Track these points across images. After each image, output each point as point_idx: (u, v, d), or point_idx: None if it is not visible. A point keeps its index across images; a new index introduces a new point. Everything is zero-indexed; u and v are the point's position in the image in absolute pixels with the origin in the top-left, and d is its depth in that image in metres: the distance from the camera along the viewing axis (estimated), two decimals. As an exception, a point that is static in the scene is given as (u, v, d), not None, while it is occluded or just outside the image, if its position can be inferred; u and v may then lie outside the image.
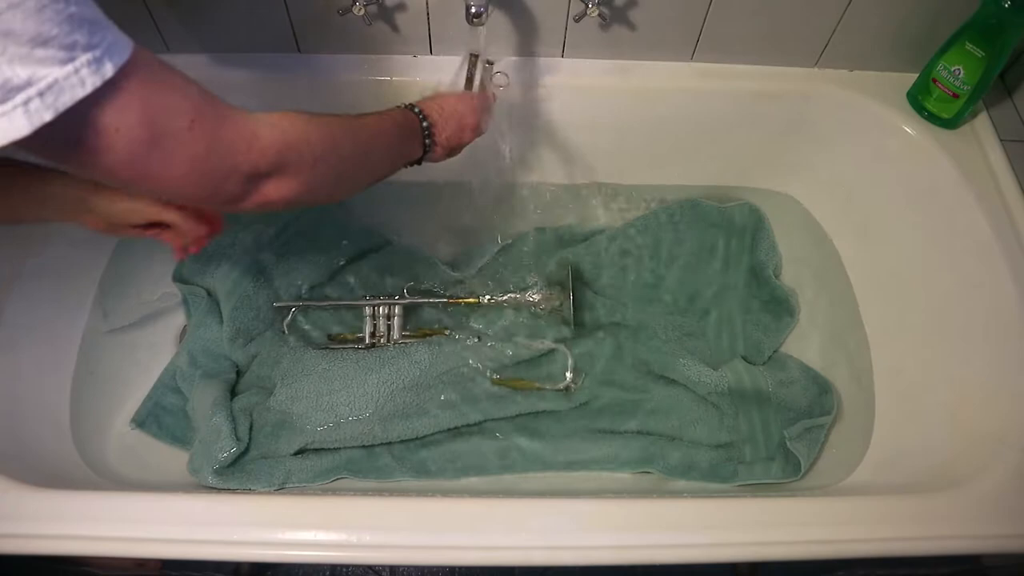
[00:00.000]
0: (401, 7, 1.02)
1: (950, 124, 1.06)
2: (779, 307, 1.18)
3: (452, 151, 0.88)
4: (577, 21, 0.99)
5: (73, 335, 1.06)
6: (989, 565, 0.87)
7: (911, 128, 1.08)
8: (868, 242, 1.17)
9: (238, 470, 1.00)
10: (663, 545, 0.73)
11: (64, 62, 0.40)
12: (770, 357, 1.15)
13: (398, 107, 0.81)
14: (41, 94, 0.39)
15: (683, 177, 1.28)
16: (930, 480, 0.87)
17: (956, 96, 1.03)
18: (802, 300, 1.20)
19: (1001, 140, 1.05)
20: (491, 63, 0.97)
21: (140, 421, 1.05)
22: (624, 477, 1.05)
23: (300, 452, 1.04)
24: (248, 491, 0.98)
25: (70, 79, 0.40)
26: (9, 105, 0.39)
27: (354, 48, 1.09)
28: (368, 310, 1.14)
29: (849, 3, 1.02)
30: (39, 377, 1.00)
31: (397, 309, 1.14)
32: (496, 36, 1.06)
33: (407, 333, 1.14)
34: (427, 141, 0.82)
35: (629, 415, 1.10)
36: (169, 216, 0.80)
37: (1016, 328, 0.90)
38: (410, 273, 1.20)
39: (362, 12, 0.97)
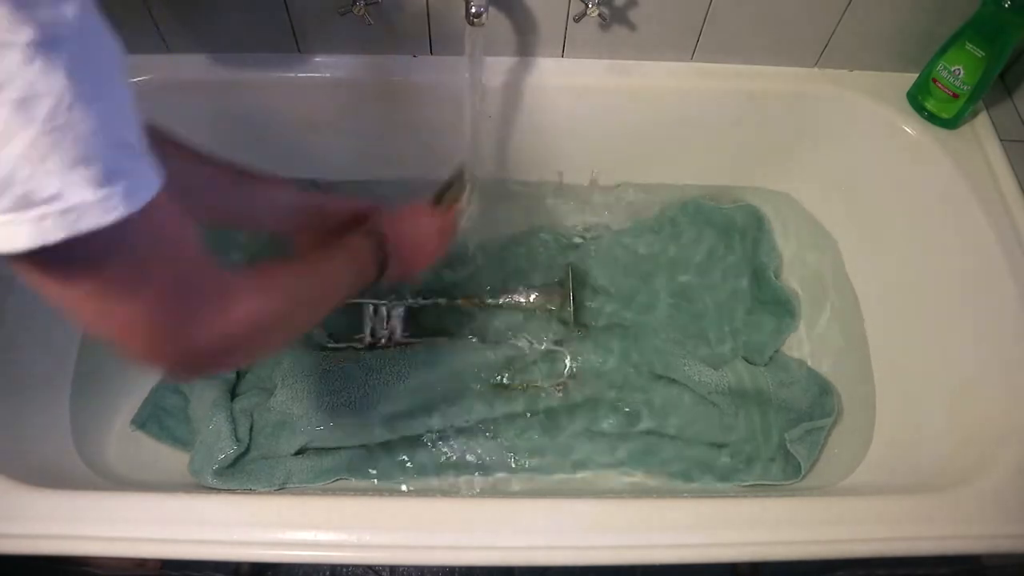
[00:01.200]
0: (401, 7, 1.02)
1: (950, 124, 1.06)
2: (780, 308, 1.18)
3: (410, 275, 0.86)
4: (577, 21, 0.99)
5: (73, 335, 1.06)
6: (989, 565, 0.87)
7: (911, 128, 1.08)
8: (868, 242, 1.17)
9: (238, 470, 1.00)
10: (663, 545, 0.73)
11: (97, 187, 0.38)
12: (771, 358, 1.15)
13: (360, 234, 0.80)
14: (62, 213, 0.37)
15: (683, 177, 1.28)
16: (930, 480, 0.87)
17: (956, 96, 1.03)
18: (803, 300, 1.20)
19: (1001, 140, 1.05)
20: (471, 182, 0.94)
21: (141, 423, 1.05)
22: (624, 477, 1.05)
23: (300, 452, 1.04)
24: (248, 491, 0.98)
25: (97, 206, 0.38)
26: (21, 215, 0.36)
27: (354, 48, 1.09)
28: (368, 310, 1.14)
29: (849, 3, 1.02)
30: (39, 377, 1.00)
31: (397, 310, 1.14)
32: (496, 36, 1.06)
33: (407, 334, 1.14)
34: (381, 272, 0.80)
35: (629, 415, 1.10)
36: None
37: (1016, 328, 0.90)
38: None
39: (362, 12, 0.97)
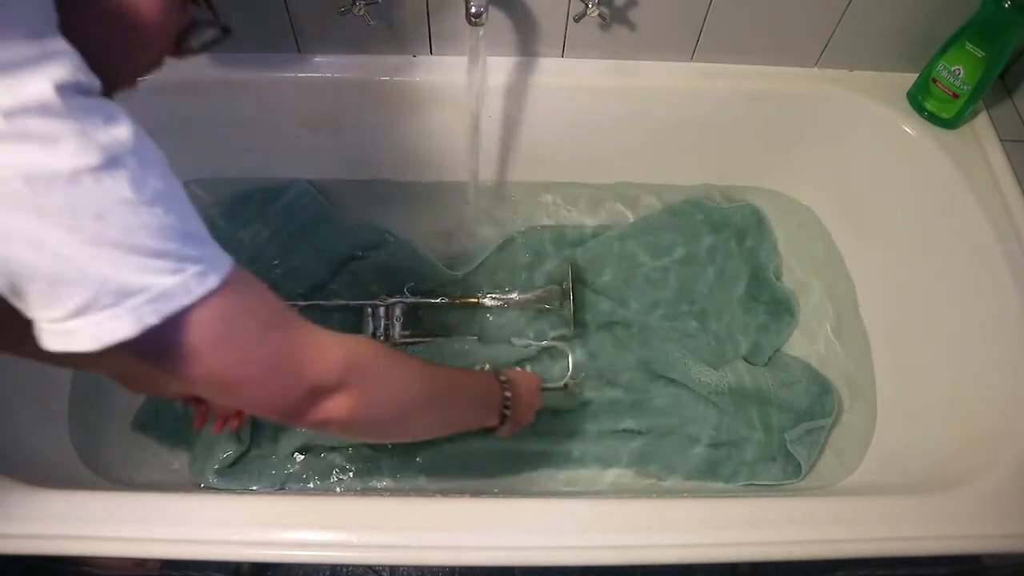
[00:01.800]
0: (401, 7, 1.02)
1: (950, 124, 1.06)
2: (779, 308, 1.18)
3: (517, 428, 0.87)
4: (577, 21, 0.99)
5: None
6: (989, 565, 0.87)
7: (911, 128, 1.08)
8: (869, 242, 1.18)
9: (239, 470, 1.00)
10: (663, 545, 0.73)
11: (174, 272, 0.44)
12: (771, 358, 1.15)
13: (490, 372, 0.85)
14: (151, 301, 0.43)
15: (683, 177, 1.28)
16: (930, 480, 0.87)
17: (956, 96, 1.03)
18: (804, 299, 1.20)
19: (1001, 140, 1.05)
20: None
21: (141, 423, 1.05)
22: (624, 477, 1.05)
23: (301, 452, 1.04)
24: (248, 491, 0.98)
25: (178, 288, 0.44)
26: (120, 309, 0.42)
27: (354, 48, 1.09)
28: (369, 310, 1.14)
29: (849, 3, 1.02)
30: (39, 377, 1.00)
31: (398, 309, 1.14)
32: (496, 36, 1.06)
33: (407, 333, 1.14)
34: (505, 413, 0.83)
35: (629, 415, 1.10)
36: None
37: (1016, 328, 0.90)
38: (410, 272, 1.20)
39: (362, 12, 0.97)
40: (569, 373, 1.12)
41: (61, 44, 0.42)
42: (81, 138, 0.40)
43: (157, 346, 0.46)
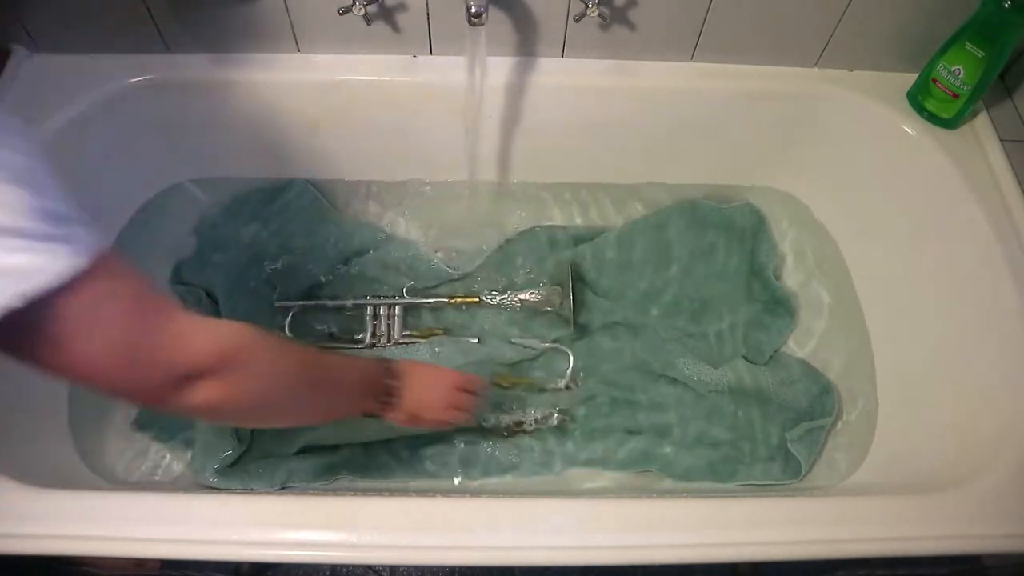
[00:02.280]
0: (401, 7, 1.02)
1: (950, 124, 1.06)
2: (779, 308, 1.18)
3: (416, 419, 0.86)
4: (577, 21, 0.99)
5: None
6: (989, 565, 0.87)
7: (911, 128, 1.08)
8: (869, 241, 1.18)
9: (239, 470, 1.00)
10: (663, 545, 0.73)
11: (36, 252, 0.43)
12: (771, 357, 1.15)
13: (376, 361, 0.83)
14: (14, 282, 0.42)
15: (683, 177, 1.28)
16: (930, 480, 0.87)
17: (956, 96, 1.03)
18: (804, 299, 1.20)
19: (1001, 140, 1.05)
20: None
21: (142, 423, 1.05)
22: (624, 477, 1.05)
23: (301, 452, 1.04)
24: (248, 491, 0.98)
25: (40, 269, 0.43)
26: None
27: (354, 48, 1.09)
28: (369, 310, 1.14)
29: (849, 3, 1.02)
30: (39, 377, 1.00)
31: (398, 309, 1.14)
32: (496, 36, 1.06)
33: (408, 333, 1.14)
34: (388, 401, 0.81)
35: (629, 414, 1.10)
36: None
37: (1016, 328, 0.90)
38: (409, 272, 1.20)
39: (362, 12, 0.97)
40: (568, 374, 1.12)
41: None
42: None
43: (21, 334, 0.45)
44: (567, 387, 1.12)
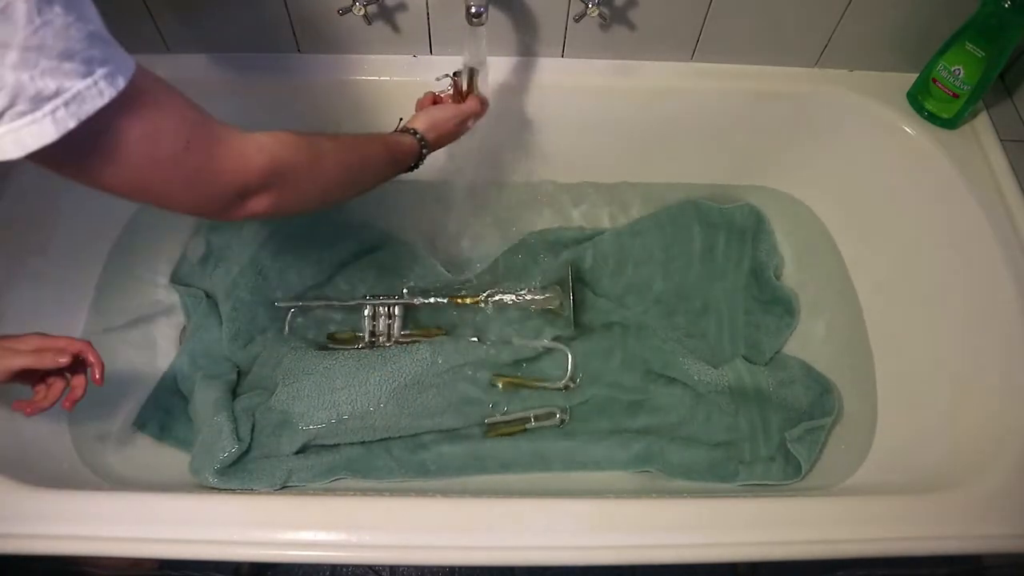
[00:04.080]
0: (401, 7, 1.02)
1: (950, 124, 1.06)
2: (780, 308, 1.18)
3: (435, 148, 0.92)
4: (577, 21, 0.99)
5: (72, 335, 1.06)
6: (989, 565, 0.87)
7: (911, 128, 1.08)
8: (869, 241, 1.18)
9: (239, 470, 1.00)
10: (663, 545, 0.73)
11: (85, 75, 0.44)
12: (772, 357, 1.15)
13: (400, 131, 0.88)
14: (67, 104, 0.43)
15: (683, 176, 1.28)
16: (930, 480, 0.87)
17: (956, 96, 1.03)
18: (804, 299, 1.20)
19: (1001, 140, 1.05)
20: (476, 70, 0.98)
21: (142, 424, 1.05)
22: (624, 477, 1.05)
23: (301, 451, 1.04)
24: (249, 491, 0.98)
25: (91, 90, 0.44)
26: (40, 113, 0.43)
27: (354, 48, 1.09)
28: (368, 310, 1.14)
29: (849, 3, 1.02)
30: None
31: (397, 309, 1.14)
32: (496, 36, 1.06)
33: (407, 333, 1.14)
34: (419, 162, 0.87)
35: (629, 414, 1.10)
36: (21, 362, 0.73)
37: (1016, 328, 0.90)
38: (409, 274, 1.20)
39: (362, 12, 0.97)
40: (568, 374, 1.12)
41: None
42: None
43: (82, 152, 0.47)
44: (566, 387, 1.12)
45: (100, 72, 0.45)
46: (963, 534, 0.76)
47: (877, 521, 0.76)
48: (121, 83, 0.46)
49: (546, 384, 1.12)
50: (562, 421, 1.09)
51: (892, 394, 1.06)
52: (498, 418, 1.09)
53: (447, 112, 0.92)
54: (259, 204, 0.61)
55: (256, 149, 0.59)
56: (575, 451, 1.06)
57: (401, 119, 0.92)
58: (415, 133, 0.87)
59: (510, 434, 1.08)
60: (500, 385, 1.11)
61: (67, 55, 0.43)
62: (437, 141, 0.90)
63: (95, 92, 0.44)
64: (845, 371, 1.12)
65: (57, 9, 0.42)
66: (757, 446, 1.07)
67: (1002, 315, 0.93)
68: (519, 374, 1.13)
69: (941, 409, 0.97)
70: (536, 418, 1.09)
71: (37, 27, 0.41)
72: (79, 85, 0.44)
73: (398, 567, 1.01)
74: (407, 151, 0.84)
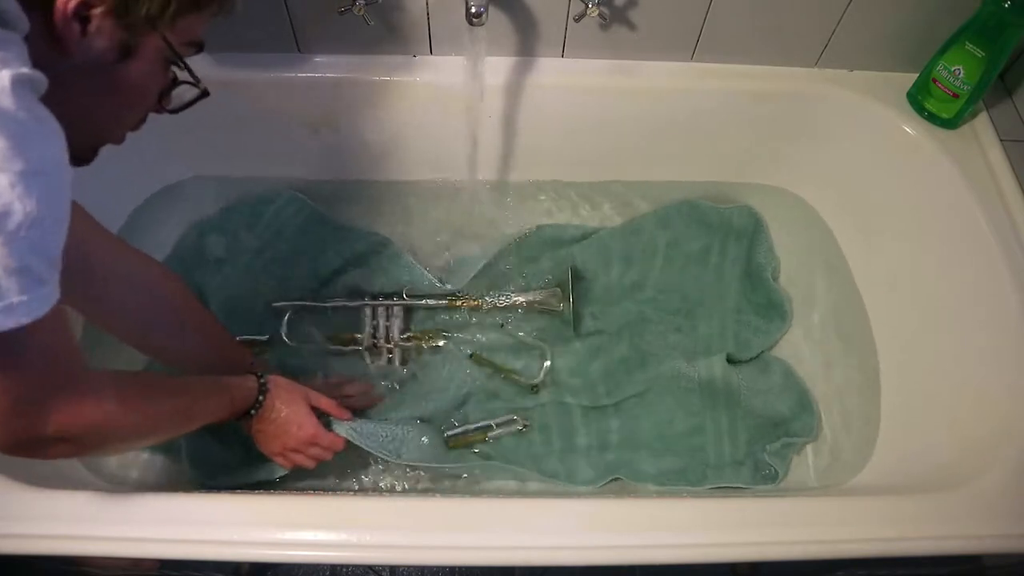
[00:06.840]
0: (401, 7, 1.02)
1: (950, 124, 1.06)
2: (772, 311, 1.17)
3: (257, 440, 0.88)
4: (577, 21, 0.99)
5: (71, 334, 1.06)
6: (989, 565, 0.87)
7: (911, 128, 1.08)
8: (869, 241, 1.18)
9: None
10: (663, 545, 0.73)
11: (22, 293, 0.45)
12: (757, 356, 1.14)
13: (248, 375, 0.85)
14: (3, 310, 0.44)
15: (683, 176, 1.28)
16: (930, 480, 0.87)
17: (956, 96, 1.03)
18: (804, 298, 1.19)
19: (1001, 140, 1.05)
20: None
21: (140, 422, 1.05)
22: (611, 478, 1.03)
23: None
24: (248, 490, 0.98)
25: (19, 307, 0.45)
26: None
27: (354, 48, 1.09)
28: (367, 311, 1.13)
29: (849, 3, 1.02)
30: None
31: (396, 310, 1.14)
32: (496, 36, 1.06)
33: (406, 334, 1.14)
34: (252, 412, 0.84)
35: (597, 419, 1.09)
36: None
37: (1016, 328, 0.90)
38: (409, 275, 1.19)
39: (362, 12, 0.97)
40: (542, 374, 1.10)
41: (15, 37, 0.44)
42: (14, 145, 0.42)
43: None
44: (533, 388, 1.10)
45: (31, 295, 0.46)
46: (963, 534, 0.76)
47: (877, 521, 0.76)
48: (39, 312, 0.47)
49: (518, 377, 1.11)
50: (524, 427, 1.07)
51: (894, 394, 1.06)
52: (458, 429, 1.06)
53: (301, 430, 0.86)
54: (63, 451, 0.59)
55: (93, 407, 0.59)
56: (575, 450, 1.05)
57: None
58: (261, 377, 0.85)
59: (471, 443, 1.06)
60: (476, 364, 1.11)
61: (21, 272, 0.44)
62: (270, 422, 0.85)
63: (23, 310, 0.45)
64: (847, 373, 1.12)
65: (40, 233, 0.45)
66: (722, 450, 1.06)
67: (1002, 315, 0.92)
68: (519, 374, 1.12)
69: (941, 408, 0.97)
70: (497, 425, 1.06)
71: (18, 239, 0.43)
72: (14, 300, 0.45)
73: (398, 567, 1.00)
74: (246, 396, 0.83)
